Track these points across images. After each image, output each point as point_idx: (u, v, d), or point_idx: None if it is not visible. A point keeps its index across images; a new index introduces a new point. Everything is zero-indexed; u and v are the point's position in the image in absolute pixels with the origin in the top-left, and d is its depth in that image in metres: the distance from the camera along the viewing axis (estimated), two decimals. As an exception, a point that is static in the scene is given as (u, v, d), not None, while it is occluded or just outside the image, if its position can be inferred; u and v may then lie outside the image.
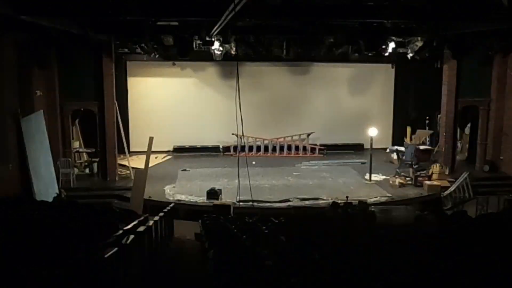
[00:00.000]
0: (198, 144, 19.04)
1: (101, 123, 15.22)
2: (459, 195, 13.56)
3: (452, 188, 13.62)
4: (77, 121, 16.56)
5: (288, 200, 13.13)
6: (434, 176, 14.77)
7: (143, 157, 14.15)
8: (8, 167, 11.68)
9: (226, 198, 13.04)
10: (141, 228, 5.81)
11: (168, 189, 14.19)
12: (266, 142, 19.20)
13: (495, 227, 7.11)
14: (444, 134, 15.96)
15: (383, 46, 14.24)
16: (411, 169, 15.45)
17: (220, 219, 9.46)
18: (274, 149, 19.30)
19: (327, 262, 4.77)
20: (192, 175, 15.80)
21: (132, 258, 4.96)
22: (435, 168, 15.02)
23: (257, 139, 18.98)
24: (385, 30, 13.30)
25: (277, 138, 19.29)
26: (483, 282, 3.91)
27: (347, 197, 12.72)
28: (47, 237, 5.59)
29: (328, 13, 10.84)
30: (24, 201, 10.43)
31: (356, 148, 19.85)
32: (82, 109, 15.77)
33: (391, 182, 14.72)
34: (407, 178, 14.96)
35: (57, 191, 13.30)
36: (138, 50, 15.38)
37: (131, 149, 19.17)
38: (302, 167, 17.08)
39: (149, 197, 13.41)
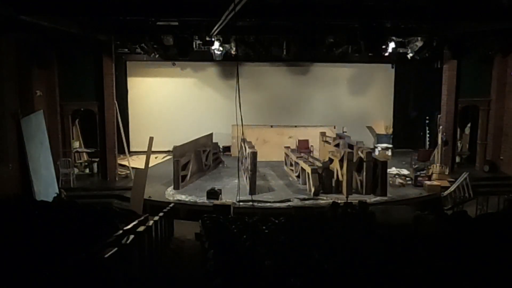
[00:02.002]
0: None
1: (101, 123, 15.22)
2: (459, 195, 13.55)
3: (452, 188, 13.61)
4: (77, 121, 16.56)
5: (288, 200, 13.13)
6: (434, 176, 14.77)
7: (143, 157, 14.15)
8: (8, 167, 11.68)
9: (226, 198, 13.04)
10: (141, 228, 5.81)
11: (168, 189, 14.17)
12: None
13: (495, 227, 7.11)
14: (444, 134, 15.96)
15: (383, 46, 14.25)
16: (411, 169, 15.45)
17: (220, 219, 9.45)
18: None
19: (327, 262, 4.77)
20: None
21: (132, 258, 4.96)
22: (435, 168, 15.02)
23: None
24: (385, 30, 13.30)
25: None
26: (483, 281, 3.91)
27: (347, 197, 12.72)
28: (47, 237, 5.59)
29: (328, 13, 10.83)
30: (24, 201, 10.43)
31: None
32: (82, 109, 15.77)
33: (391, 182, 14.70)
34: (407, 178, 14.96)
35: (57, 191, 13.31)
36: (138, 50, 15.38)
37: (131, 149, 19.18)
38: None
39: (149, 197, 13.42)
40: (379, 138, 18.82)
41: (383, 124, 19.67)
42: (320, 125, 18.97)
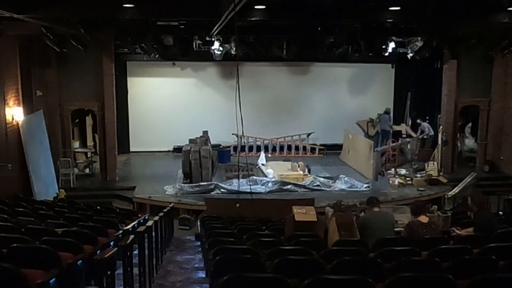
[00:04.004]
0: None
1: (101, 123, 15.22)
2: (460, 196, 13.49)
3: (457, 189, 13.53)
4: (76, 121, 16.57)
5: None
6: (433, 176, 14.76)
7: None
8: (8, 167, 11.67)
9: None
10: (141, 228, 5.82)
11: (168, 189, 14.14)
12: (266, 142, 19.19)
13: (495, 227, 7.11)
14: (444, 134, 15.97)
15: (383, 46, 14.24)
16: (411, 169, 15.43)
17: (220, 219, 9.47)
18: (274, 149, 19.28)
19: (327, 262, 4.77)
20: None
21: (132, 258, 4.96)
22: (433, 165, 15.04)
23: (257, 139, 18.96)
24: (385, 30, 13.30)
25: (277, 138, 19.27)
26: (483, 281, 3.91)
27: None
28: (47, 237, 5.59)
29: (328, 13, 10.83)
30: (24, 201, 10.45)
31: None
32: (86, 109, 15.75)
33: (390, 182, 14.65)
34: (407, 178, 14.93)
35: (57, 191, 13.32)
36: (138, 50, 15.37)
37: (131, 149, 19.19)
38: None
39: (149, 197, 13.42)
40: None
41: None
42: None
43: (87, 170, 16.21)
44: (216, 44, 14.19)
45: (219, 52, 15.20)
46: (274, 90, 19.66)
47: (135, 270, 5.14)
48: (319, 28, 13.32)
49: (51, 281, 3.58)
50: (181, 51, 14.88)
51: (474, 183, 13.70)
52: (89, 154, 16.70)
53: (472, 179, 13.65)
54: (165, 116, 19.10)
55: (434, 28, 13.32)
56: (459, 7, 10.78)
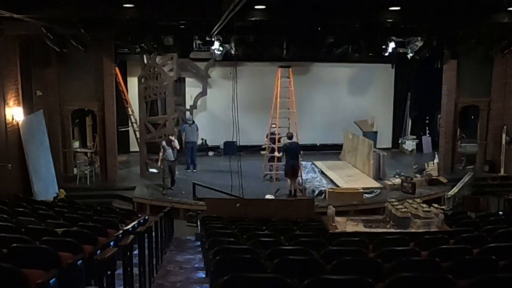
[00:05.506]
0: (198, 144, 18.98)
1: (101, 123, 15.21)
2: (459, 196, 13.51)
3: (456, 189, 13.53)
4: (76, 121, 16.55)
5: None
6: (433, 176, 14.75)
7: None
8: (8, 167, 11.67)
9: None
10: (141, 228, 5.81)
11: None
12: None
13: (495, 227, 7.12)
14: (444, 134, 15.97)
15: (383, 46, 14.24)
16: (411, 170, 15.45)
17: (220, 219, 9.46)
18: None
19: (327, 262, 4.78)
20: (193, 175, 15.79)
21: (132, 258, 4.96)
22: (433, 165, 15.03)
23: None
24: (385, 30, 13.31)
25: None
26: (483, 281, 3.91)
27: None
28: (47, 237, 5.60)
29: (328, 13, 10.83)
30: (24, 201, 10.45)
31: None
32: (86, 109, 15.73)
33: (389, 183, 14.55)
34: (408, 178, 14.88)
35: (57, 191, 13.32)
36: (138, 50, 15.36)
37: (131, 149, 19.16)
38: None
39: (149, 197, 13.42)
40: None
41: (370, 121, 19.77)
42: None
43: (87, 170, 16.19)
44: (216, 44, 14.19)
45: (219, 52, 15.20)
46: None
47: (135, 270, 5.13)
48: (319, 28, 13.33)
49: (51, 281, 3.58)
50: (181, 51, 14.89)
51: (471, 182, 13.72)
52: (89, 154, 16.66)
53: (469, 178, 13.66)
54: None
55: (434, 28, 13.33)
56: (459, 7, 10.79)
